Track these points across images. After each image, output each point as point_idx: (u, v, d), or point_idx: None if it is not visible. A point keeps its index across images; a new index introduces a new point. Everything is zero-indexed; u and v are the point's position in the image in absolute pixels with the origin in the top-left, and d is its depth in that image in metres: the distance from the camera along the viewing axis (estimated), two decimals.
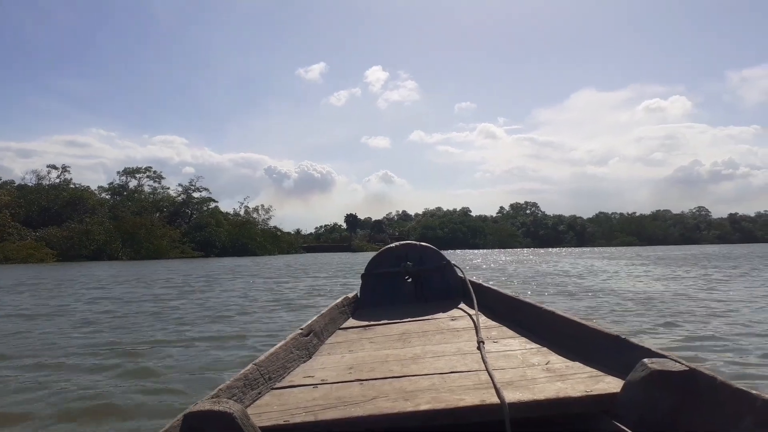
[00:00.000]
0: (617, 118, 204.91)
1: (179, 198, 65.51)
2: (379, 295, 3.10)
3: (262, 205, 76.72)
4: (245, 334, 5.00)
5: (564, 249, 78.46)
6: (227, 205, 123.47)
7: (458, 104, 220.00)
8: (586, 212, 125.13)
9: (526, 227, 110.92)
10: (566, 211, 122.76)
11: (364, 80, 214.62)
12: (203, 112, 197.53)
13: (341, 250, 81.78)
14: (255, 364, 1.60)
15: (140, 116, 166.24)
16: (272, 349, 1.76)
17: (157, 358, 4.08)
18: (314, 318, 2.30)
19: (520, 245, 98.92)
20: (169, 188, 66.76)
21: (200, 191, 66.43)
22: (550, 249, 79.58)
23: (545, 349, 1.83)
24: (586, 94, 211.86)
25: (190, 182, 66.80)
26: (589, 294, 8.30)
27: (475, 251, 68.88)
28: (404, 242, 3.26)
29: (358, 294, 3.15)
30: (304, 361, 1.93)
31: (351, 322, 2.66)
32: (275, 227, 74.46)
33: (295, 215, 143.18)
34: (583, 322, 1.78)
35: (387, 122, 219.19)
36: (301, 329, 2.07)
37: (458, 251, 66.92)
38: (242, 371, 1.52)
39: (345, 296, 2.96)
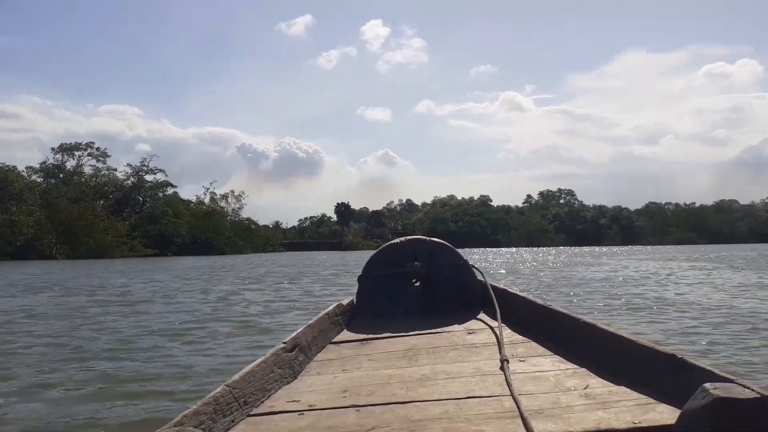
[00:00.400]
0: (671, 87, 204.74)
1: (128, 182, 65.26)
2: (379, 302, 3.16)
3: (233, 192, 76.14)
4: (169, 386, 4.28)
5: (607, 247, 78.75)
6: (190, 192, 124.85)
7: (476, 68, 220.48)
8: (632, 202, 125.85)
9: (559, 220, 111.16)
10: (608, 201, 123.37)
11: (360, 37, 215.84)
12: (161, 76, 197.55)
13: (330, 248, 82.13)
14: (228, 385, 1.62)
15: (83, 81, 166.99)
16: (248, 367, 1.79)
17: None
18: (300, 329, 2.33)
19: (552, 242, 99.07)
20: (116, 170, 66.77)
21: (154, 173, 66.31)
22: (590, 247, 79.94)
23: (584, 369, 1.86)
24: (633, 57, 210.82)
25: (142, 162, 66.67)
26: (664, 309, 8.13)
27: (497, 250, 69.41)
28: (411, 237, 3.32)
29: (354, 300, 3.20)
30: (288, 382, 1.97)
31: (345, 334, 2.72)
32: (248, 219, 74.58)
33: (275, 204, 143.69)
34: (631, 337, 1.79)
35: (388, 90, 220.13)
36: (284, 343, 2.10)
37: (475, 250, 67.31)
38: (212, 393, 1.55)
39: (338, 303, 2.98)
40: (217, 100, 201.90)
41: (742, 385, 1.26)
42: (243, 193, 77.33)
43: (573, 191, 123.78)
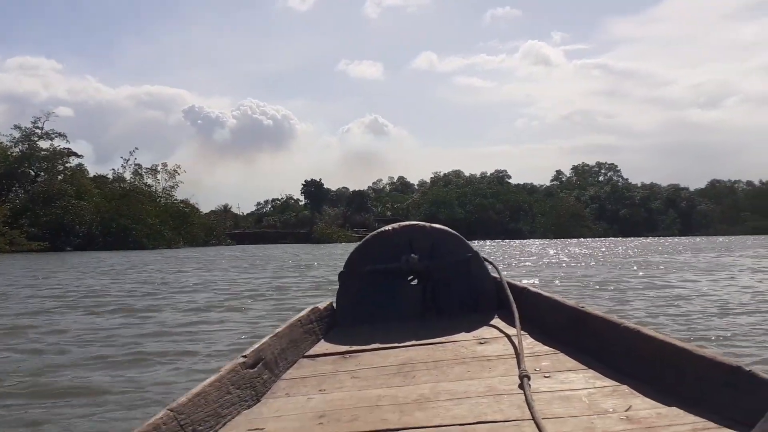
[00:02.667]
0: (738, 34, 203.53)
1: (15, 150, 62.69)
2: (367, 306, 3.22)
3: (164, 165, 72.30)
4: None
5: (666, 239, 78.51)
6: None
7: (492, 10, 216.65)
8: (691, 181, 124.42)
9: (599, 203, 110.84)
10: (659, 179, 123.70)
11: None
12: (86, 20, 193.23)
13: (297, 240, 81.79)
14: (171, 410, 1.67)
15: None
16: (198, 387, 1.83)
17: None
18: (265, 340, 2.38)
19: (590, 232, 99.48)
20: None
21: (51, 138, 63.77)
22: (642, 239, 79.70)
23: (625, 387, 1.91)
24: None
25: (34, 123, 63.97)
26: None
27: (518, 242, 68.40)
28: (407, 223, 3.39)
29: (334, 303, 3.26)
30: (249, 406, 2.03)
31: (322, 346, 2.80)
32: (184, 202, 71.71)
33: (233, 185, 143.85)
34: (686, 346, 1.84)
35: (379, 39, 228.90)
36: (244, 357, 2.15)
37: (488, 242, 66.29)
38: (152, 420, 1.59)
39: (313, 307, 3.07)
40: (159, 52, 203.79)
41: None
42: (179, 167, 74.86)
43: (616, 165, 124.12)
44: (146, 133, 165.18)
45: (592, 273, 17.26)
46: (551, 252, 35.71)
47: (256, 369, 2.18)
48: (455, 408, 1.84)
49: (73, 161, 65.04)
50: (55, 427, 4.28)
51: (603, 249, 38.88)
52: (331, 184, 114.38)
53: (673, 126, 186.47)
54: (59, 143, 63.95)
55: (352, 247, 3.45)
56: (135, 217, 58.79)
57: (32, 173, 61.97)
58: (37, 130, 63.18)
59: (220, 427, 1.82)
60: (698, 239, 73.86)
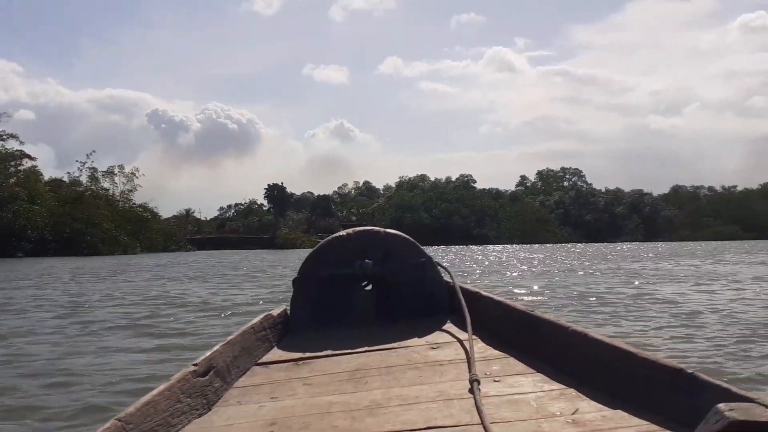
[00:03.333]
0: (697, 42, 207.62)
1: None
2: (321, 312, 3.24)
3: (121, 167, 70.43)
4: None
5: (631, 244, 79.11)
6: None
7: (457, 16, 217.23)
8: (650, 187, 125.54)
9: (563, 208, 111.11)
10: (619, 185, 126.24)
11: None
12: (47, 21, 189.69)
13: (260, 245, 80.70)
14: (119, 419, 1.67)
15: None
16: (147, 396, 1.83)
17: None
18: (216, 348, 2.38)
19: (555, 237, 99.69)
20: None
21: (3, 139, 61.40)
22: (607, 244, 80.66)
23: (572, 390, 1.96)
24: (651, 3, 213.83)
25: None
26: None
27: (484, 248, 67.79)
28: (362, 228, 3.45)
29: (288, 310, 3.27)
30: (200, 415, 2.03)
31: (276, 353, 2.80)
32: (142, 206, 70.34)
33: (197, 189, 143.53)
34: (630, 349, 1.89)
35: (345, 43, 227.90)
36: (195, 365, 2.15)
37: (454, 248, 64.29)
38: (99, 430, 1.60)
39: (266, 314, 3.08)
40: (120, 55, 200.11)
41: (763, 405, 1.32)
42: (137, 170, 73.79)
43: (581, 171, 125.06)
44: (109, 137, 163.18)
45: (576, 285, 16.19)
46: (528, 260, 34.72)
47: (207, 377, 2.16)
48: (406, 413, 1.86)
49: (27, 164, 62.78)
50: None
51: (581, 256, 38.07)
52: (297, 189, 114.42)
53: (633, 132, 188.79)
54: (12, 145, 61.68)
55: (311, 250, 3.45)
56: (89, 221, 56.97)
57: None
58: None
59: None
60: (661, 245, 74.01)
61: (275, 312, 3.13)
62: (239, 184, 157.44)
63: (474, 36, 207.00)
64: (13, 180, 59.74)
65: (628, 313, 9.37)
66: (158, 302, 12.13)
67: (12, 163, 61.38)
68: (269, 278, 19.38)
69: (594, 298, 11.36)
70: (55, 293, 14.83)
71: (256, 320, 2.92)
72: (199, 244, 76.72)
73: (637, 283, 15.48)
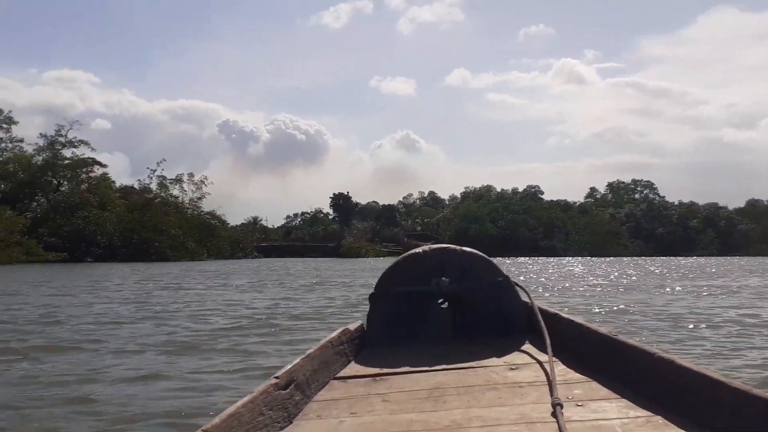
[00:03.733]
0: None
1: (38, 158, 61.68)
2: (397, 328, 3.25)
3: (191, 175, 71.00)
4: None
5: (706, 258, 76.25)
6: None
7: (525, 28, 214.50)
8: (724, 200, 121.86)
9: (634, 221, 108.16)
10: (690, 198, 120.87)
11: None
12: (123, 34, 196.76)
13: (324, 254, 79.86)
14: (205, 430, 1.69)
15: (23, 40, 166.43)
16: (231, 408, 1.84)
17: None
18: (296, 361, 2.39)
19: (626, 250, 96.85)
20: (22, 141, 63.02)
21: (75, 146, 62.37)
22: (682, 259, 77.55)
23: (659, 418, 1.90)
24: (722, 16, 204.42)
25: (57, 131, 62.46)
26: None
27: (553, 260, 66.11)
28: (438, 246, 3.43)
29: (365, 325, 3.29)
30: (281, 428, 2.05)
31: (353, 368, 2.82)
32: (210, 213, 70.48)
33: (266, 199, 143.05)
34: (721, 378, 1.83)
35: (412, 56, 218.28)
36: (277, 378, 2.17)
37: (521, 259, 62.59)
38: None
39: (344, 329, 3.09)
40: (194, 67, 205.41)
41: None
42: (205, 177, 74.05)
43: (653, 183, 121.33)
44: (181, 147, 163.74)
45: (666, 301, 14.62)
46: (604, 272, 33.06)
47: (288, 390, 2.18)
48: None
49: (98, 170, 63.68)
50: None
51: (662, 271, 36.04)
52: (362, 198, 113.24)
53: (707, 145, 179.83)
54: (83, 151, 62.78)
55: (380, 262, 3.00)
56: (157, 228, 57.36)
57: (55, 182, 60.88)
58: (61, 138, 61.86)
59: None
60: (737, 259, 70.54)
61: (352, 327, 3.14)
62: (307, 193, 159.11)
63: (542, 47, 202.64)
64: (84, 186, 60.62)
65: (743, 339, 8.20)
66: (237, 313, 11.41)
67: (83, 170, 62.37)
68: (340, 288, 18.56)
69: (691, 325, 9.88)
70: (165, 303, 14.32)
71: (333, 334, 2.92)
72: (264, 252, 76.68)
73: (738, 301, 14.05)
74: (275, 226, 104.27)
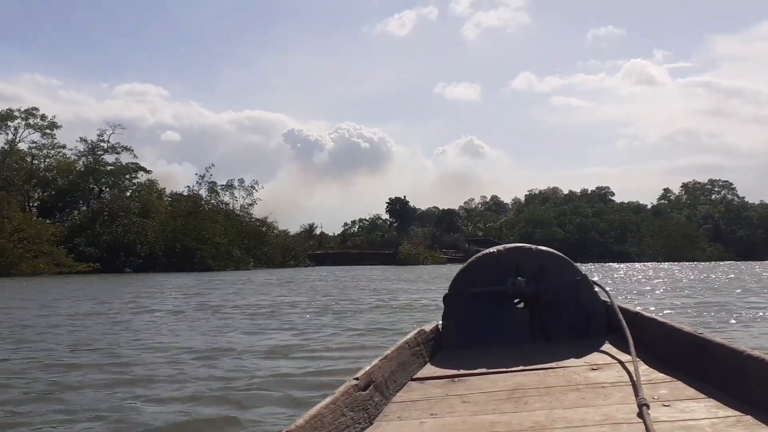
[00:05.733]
0: None
1: (80, 164, 59.74)
2: (472, 329, 3.25)
3: (241, 181, 68.61)
4: None
5: None
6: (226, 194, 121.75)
7: (593, 30, 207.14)
8: None
9: (712, 223, 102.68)
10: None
11: None
12: (190, 48, 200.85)
13: (381, 261, 77.19)
14: None
15: (95, 55, 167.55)
16: (314, 409, 1.87)
17: None
18: (375, 362, 2.41)
19: (704, 255, 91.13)
20: (64, 146, 61.00)
21: (117, 152, 60.08)
22: (764, 262, 71.19)
23: (749, 417, 1.85)
24: None
25: (99, 136, 60.40)
26: None
27: (625, 266, 60.63)
28: (513, 245, 3.45)
29: (440, 326, 3.28)
30: (363, 429, 2.05)
31: (430, 369, 2.81)
32: (261, 220, 68.15)
33: (330, 207, 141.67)
34: None
35: (477, 61, 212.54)
36: (356, 379, 2.18)
37: (591, 266, 58.14)
38: None
39: (419, 330, 3.11)
40: (258, 78, 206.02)
41: None
42: (256, 182, 72.46)
43: (731, 183, 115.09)
44: (249, 156, 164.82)
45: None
46: (682, 280, 27.36)
47: (367, 391, 2.19)
48: None
49: (142, 176, 61.37)
50: None
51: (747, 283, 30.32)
52: (425, 206, 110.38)
53: None
54: (126, 159, 60.53)
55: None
56: (199, 237, 54.40)
57: (96, 189, 58.57)
58: (102, 144, 59.53)
59: None
60: None
61: (428, 328, 3.16)
62: (370, 201, 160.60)
63: (610, 49, 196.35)
64: (129, 193, 58.33)
65: None
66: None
67: (126, 176, 60.14)
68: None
69: None
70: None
71: (410, 336, 2.95)
72: (318, 260, 73.74)
73: None
74: (335, 234, 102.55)
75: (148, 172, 61.71)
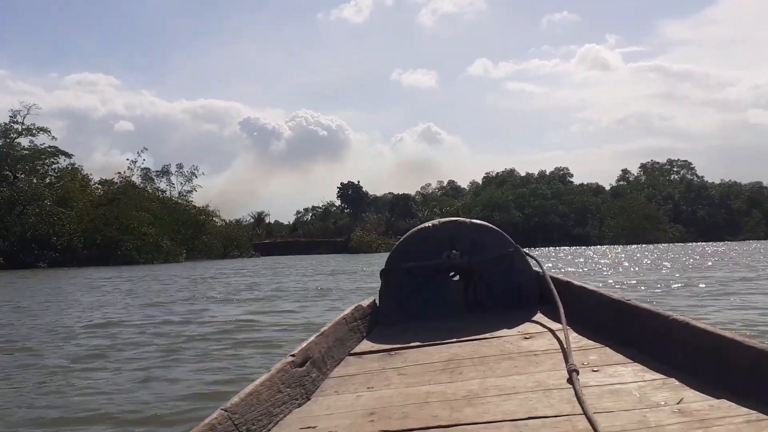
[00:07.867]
0: None
1: None
2: (409, 303, 3.28)
3: (179, 165, 63.65)
4: None
5: (755, 243, 68.93)
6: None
7: (548, 16, 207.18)
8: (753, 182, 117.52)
9: (673, 203, 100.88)
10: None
11: None
12: (141, 36, 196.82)
13: (333, 250, 74.63)
14: (225, 410, 1.71)
15: (44, 45, 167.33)
16: (249, 387, 1.88)
17: None
18: (311, 338, 2.43)
19: (666, 236, 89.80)
20: None
21: (33, 134, 54.55)
22: (730, 243, 70.77)
23: (674, 380, 1.92)
24: None
25: (12, 117, 54.61)
26: None
27: (586, 249, 59.03)
28: (448, 219, 3.49)
29: (377, 301, 3.31)
30: (300, 405, 2.07)
31: (367, 344, 2.85)
32: (201, 208, 63.16)
33: (289, 194, 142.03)
34: (736, 337, 1.85)
35: (433, 47, 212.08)
36: (293, 356, 2.20)
37: (550, 249, 54.83)
38: (206, 421, 1.65)
39: (356, 305, 3.13)
40: (212, 66, 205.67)
41: None
42: (196, 168, 68.72)
43: (690, 163, 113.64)
44: (204, 145, 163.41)
45: None
46: (652, 266, 23.39)
47: (304, 367, 2.21)
48: (505, 404, 1.85)
49: (63, 161, 55.68)
50: None
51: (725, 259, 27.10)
52: (383, 192, 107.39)
53: (731, 129, 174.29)
54: (43, 140, 54.70)
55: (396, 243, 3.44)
56: (124, 227, 49.32)
57: (11, 175, 52.66)
58: (16, 126, 53.58)
59: (273, 426, 1.85)
60: None
61: (365, 303, 3.15)
62: (328, 189, 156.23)
63: (564, 34, 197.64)
64: (48, 180, 52.91)
65: None
66: None
67: (45, 162, 54.44)
68: None
69: None
70: None
71: (347, 311, 2.94)
72: (265, 250, 69.81)
73: None
74: (290, 222, 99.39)
75: (69, 156, 56.11)
